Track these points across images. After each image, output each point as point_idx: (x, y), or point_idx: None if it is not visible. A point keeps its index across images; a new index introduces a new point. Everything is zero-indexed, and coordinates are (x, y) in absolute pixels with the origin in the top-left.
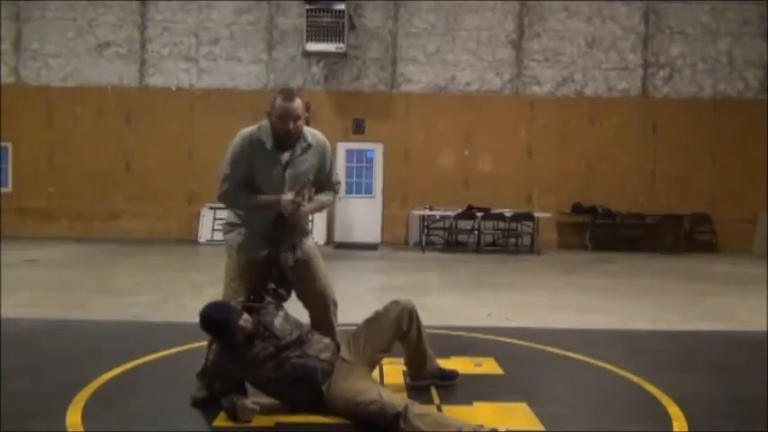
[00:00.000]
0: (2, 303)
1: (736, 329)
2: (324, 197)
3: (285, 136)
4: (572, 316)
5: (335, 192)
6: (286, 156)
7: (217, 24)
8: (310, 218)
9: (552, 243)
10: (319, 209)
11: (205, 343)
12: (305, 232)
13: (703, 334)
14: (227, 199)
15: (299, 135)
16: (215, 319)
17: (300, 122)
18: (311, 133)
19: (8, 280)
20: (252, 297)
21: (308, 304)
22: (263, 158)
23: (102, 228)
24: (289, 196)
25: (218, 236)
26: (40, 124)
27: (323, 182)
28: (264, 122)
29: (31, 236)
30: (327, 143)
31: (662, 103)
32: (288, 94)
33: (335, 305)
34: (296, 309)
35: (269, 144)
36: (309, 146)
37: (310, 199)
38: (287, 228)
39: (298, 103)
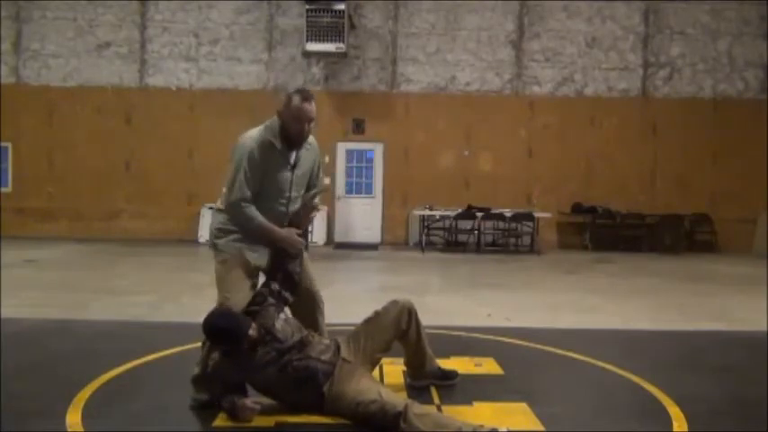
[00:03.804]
0: (2, 303)
1: (736, 329)
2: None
3: (298, 137)
4: (572, 316)
5: (321, 189)
6: (293, 157)
7: (217, 24)
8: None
9: (552, 243)
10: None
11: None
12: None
13: (703, 334)
14: (241, 209)
15: (308, 137)
16: (224, 330)
17: (314, 124)
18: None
19: (8, 280)
20: (253, 300)
21: (295, 301)
22: (274, 159)
23: (102, 228)
24: (297, 231)
25: None
26: (40, 124)
27: (312, 183)
28: (269, 123)
29: (30, 236)
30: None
31: (662, 103)
32: (306, 96)
33: (322, 303)
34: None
35: (278, 145)
36: (309, 146)
37: (314, 208)
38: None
39: (314, 105)
